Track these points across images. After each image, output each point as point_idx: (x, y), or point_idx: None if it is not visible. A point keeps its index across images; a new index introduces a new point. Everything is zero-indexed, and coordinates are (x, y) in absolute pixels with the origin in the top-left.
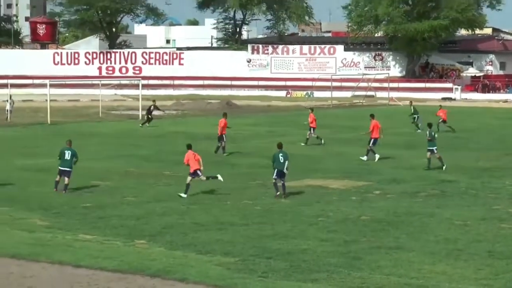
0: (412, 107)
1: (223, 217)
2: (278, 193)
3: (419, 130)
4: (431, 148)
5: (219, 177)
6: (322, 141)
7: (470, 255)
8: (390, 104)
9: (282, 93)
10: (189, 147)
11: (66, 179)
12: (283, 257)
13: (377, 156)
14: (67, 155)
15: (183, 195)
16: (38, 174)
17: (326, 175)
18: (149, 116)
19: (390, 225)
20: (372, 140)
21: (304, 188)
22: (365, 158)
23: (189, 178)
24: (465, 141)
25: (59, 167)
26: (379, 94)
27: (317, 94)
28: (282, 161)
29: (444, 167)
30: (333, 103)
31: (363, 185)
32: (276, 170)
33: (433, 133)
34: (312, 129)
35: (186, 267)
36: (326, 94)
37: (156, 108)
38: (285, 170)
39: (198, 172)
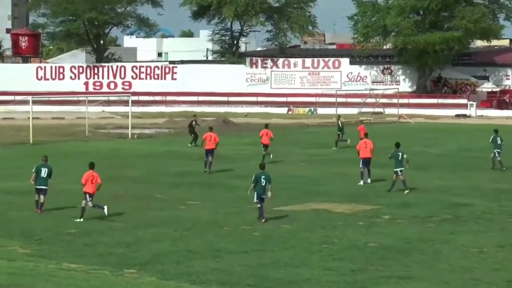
0: (339, 122)
1: (219, 244)
2: (264, 219)
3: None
4: (396, 169)
5: (105, 210)
6: (269, 156)
7: (488, 285)
8: (399, 121)
9: (283, 110)
10: (91, 166)
11: (42, 197)
12: None
13: (362, 182)
14: (43, 172)
15: (79, 219)
16: (19, 198)
17: (331, 198)
18: (194, 133)
19: (401, 253)
20: (361, 160)
21: (306, 212)
22: (367, 181)
23: (83, 201)
24: (481, 161)
25: (36, 186)
26: (388, 110)
27: (320, 110)
28: (263, 184)
29: (406, 191)
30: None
31: (370, 209)
32: (256, 193)
33: (399, 154)
34: (263, 145)
35: None
36: (331, 110)
37: (196, 123)
38: (267, 195)
39: (88, 196)
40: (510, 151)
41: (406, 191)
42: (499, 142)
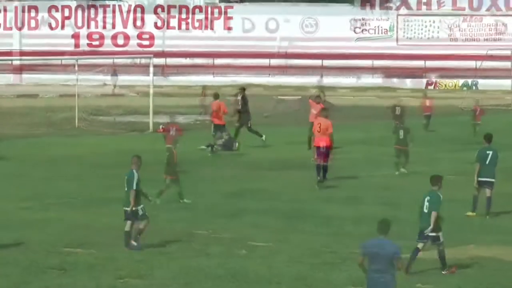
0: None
1: None
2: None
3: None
4: (485, 179)
5: None
6: (210, 149)
7: None
8: None
9: (419, 83)
10: None
11: (141, 223)
12: None
13: None
14: (126, 183)
15: None
16: None
17: (504, 238)
18: None
19: None
20: None
21: (462, 262)
22: None
23: None
24: None
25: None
26: None
27: (484, 83)
28: (426, 211)
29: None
30: None
31: None
32: (419, 227)
33: (489, 153)
34: (214, 126)
35: None
36: (503, 83)
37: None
38: (430, 232)
39: None
40: None
41: (470, 213)
42: None
